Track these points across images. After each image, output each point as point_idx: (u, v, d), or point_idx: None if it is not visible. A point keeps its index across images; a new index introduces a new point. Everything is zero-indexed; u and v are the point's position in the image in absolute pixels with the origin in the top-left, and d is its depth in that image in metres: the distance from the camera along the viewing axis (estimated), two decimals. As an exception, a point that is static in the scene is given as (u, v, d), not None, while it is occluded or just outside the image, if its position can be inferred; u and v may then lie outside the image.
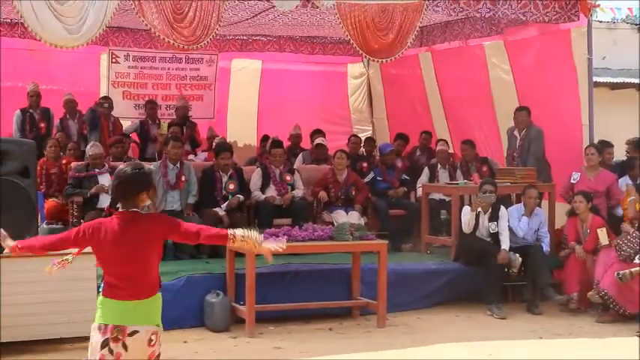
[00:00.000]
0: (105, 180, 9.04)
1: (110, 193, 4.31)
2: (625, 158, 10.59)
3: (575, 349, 7.30)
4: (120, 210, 4.18)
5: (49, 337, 6.91)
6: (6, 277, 6.73)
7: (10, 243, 4.35)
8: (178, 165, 9.25)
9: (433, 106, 12.66)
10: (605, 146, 10.10)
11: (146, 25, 8.62)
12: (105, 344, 4.07)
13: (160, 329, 4.19)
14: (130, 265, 4.13)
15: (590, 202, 8.97)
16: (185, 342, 7.35)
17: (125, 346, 4.06)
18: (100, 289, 4.21)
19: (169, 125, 11.45)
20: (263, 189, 9.67)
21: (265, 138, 11.92)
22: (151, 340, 4.11)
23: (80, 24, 8.26)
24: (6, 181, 6.77)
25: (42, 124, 11.13)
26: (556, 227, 9.59)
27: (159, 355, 4.19)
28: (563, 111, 10.35)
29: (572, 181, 9.68)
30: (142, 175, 4.27)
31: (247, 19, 11.31)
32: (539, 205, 9.39)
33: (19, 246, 4.35)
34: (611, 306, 8.32)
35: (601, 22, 17.69)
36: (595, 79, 11.11)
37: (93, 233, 4.14)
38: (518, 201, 9.62)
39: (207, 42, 9.00)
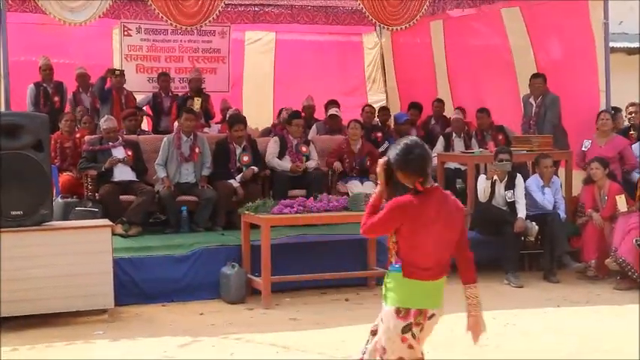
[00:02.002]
0: (119, 153, 9.05)
1: (400, 166, 4.03)
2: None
3: (593, 316, 7.26)
4: (421, 186, 3.98)
5: (66, 310, 6.95)
6: (23, 250, 6.77)
7: None
8: (192, 137, 9.22)
9: (442, 76, 12.56)
10: (615, 112, 10.01)
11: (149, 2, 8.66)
12: (407, 329, 3.96)
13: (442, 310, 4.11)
14: (439, 245, 3.99)
15: (606, 168, 8.89)
16: (201, 314, 7.37)
17: (423, 329, 4.01)
18: (394, 269, 4.00)
19: (180, 98, 11.41)
20: (278, 159, 9.64)
21: (282, 111, 11.86)
22: (437, 322, 4.09)
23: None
24: (20, 155, 6.76)
25: (56, 98, 11.14)
26: (573, 194, 9.52)
27: None
28: (580, 77, 10.25)
29: (583, 149, 9.62)
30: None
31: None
32: (555, 173, 9.31)
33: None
34: (629, 273, 8.26)
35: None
36: (612, 44, 10.98)
37: (403, 212, 3.95)
38: (534, 169, 9.54)
39: (210, 21, 9.07)
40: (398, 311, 3.97)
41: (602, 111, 9.66)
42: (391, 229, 3.99)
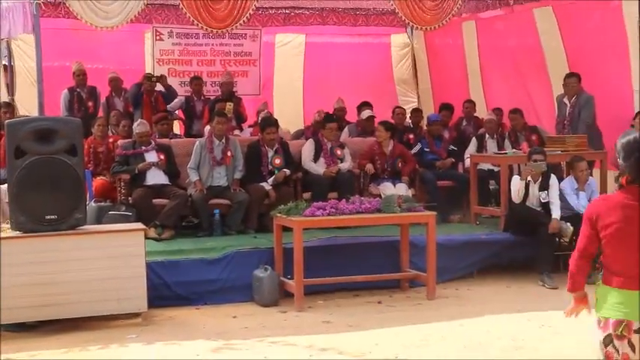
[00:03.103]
0: (151, 157, 9.10)
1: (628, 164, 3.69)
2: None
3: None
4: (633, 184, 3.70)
5: (100, 314, 6.99)
6: (55, 255, 6.81)
7: None
8: (224, 141, 9.25)
9: (474, 77, 12.49)
10: None
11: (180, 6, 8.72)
12: (608, 341, 3.68)
13: None
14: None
15: None
16: (234, 317, 7.37)
17: (632, 346, 3.60)
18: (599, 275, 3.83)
19: (212, 101, 11.44)
20: (314, 161, 9.65)
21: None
22: None
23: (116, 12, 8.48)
24: (54, 160, 6.81)
25: (89, 103, 11.22)
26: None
27: None
28: (613, 77, 10.12)
29: None
30: None
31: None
32: (590, 174, 9.20)
33: None
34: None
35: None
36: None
37: (606, 217, 3.70)
38: (568, 169, 9.44)
39: (241, 24, 9.12)
40: (599, 321, 3.76)
41: (639, 112, 9.52)
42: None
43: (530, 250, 8.69)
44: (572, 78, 10.04)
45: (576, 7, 10.57)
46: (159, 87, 11.38)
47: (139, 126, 9.36)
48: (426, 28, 9.94)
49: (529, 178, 8.76)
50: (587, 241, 3.84)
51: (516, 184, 8.82)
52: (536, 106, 11.39)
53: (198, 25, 9.21)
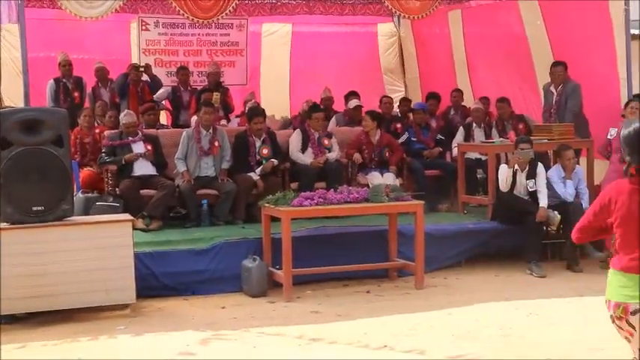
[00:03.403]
0: (138, 147, 9.07)
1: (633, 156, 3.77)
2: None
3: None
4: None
5: (88, 306, 6.97)
6: (43, 246, 6.78)
7: None
8: (211, 131, 9.22)
9: (460, 66, 12.51)
10: None
11: None
12: (612, 321, 3.90)
13: None
14: None
15: None
16: (223, 307, 7.37)
17: (631, 325, 3.78)
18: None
19: (199, 92, 11.41)
20: (301, 152, 9.64)
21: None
22: None
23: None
24: (40, 151, 6.78)
25: (75, 94, 11.18)
26: (595, 183, 9.43)
27: None
28: (599, 65, 10.14)
29: (608, 137, 9.49)
30: None
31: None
32: (577, 163, 9.24)
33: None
34: (653, 263, 8.16)
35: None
36: (632, 31, 10.86)
37: (616, 201, 3.83)
38: (555, 158, 9.46)
39: (227, 14, 9.05)
40: (606, 302, 3.92)
41: (630, 99, 9.54)
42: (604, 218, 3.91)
43: (518, 239, 8.71)
44: (559, 67, 10.06)
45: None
46: (144, 77, 11.34)
47: (126, 116, 9.32)
48: (413, 17, 9.92)
49: (516, 166, 8.78)
50: (593, 217, 4.01)
51: (504, 173, 8.84)
52: (523, 94, 11.40)
53: (183, 15, 9.16)
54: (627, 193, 3.81)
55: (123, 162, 8.94)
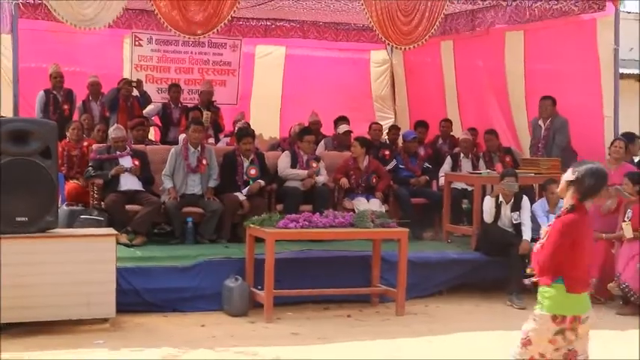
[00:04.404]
0: (126, 162, 9.07)
1: (584, 189, 4.44)
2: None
3: (595, 340, 7.20)
4: (582, 205, 4.45)
5: (68, 318, 6.93)
6: (25, 257, 6.76)
7: None
8: (199, 149, 9.24)
9: (450, 96, 12.60)
10: (630, 139, 9.98)
11: (155, 12, 8.66)
12: (560, 332, 4.46)
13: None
14: (588, 259, 4.56)
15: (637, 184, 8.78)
16: (203, 325, 7.35)
17: (576, 333, 4.49)
18: (557, 282, 4.47)
19: (189, 109, 11.41)
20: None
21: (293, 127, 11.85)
22: (592, 322, 4.59)
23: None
24: (27, 162, 6.77)
25: (65, 106, 11.13)
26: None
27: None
28: (584, 102, 10.23)
29: None
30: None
31: (269, 1, 11.26)
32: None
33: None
34: (632, 299, 8.23)
35: (629, 12, 17.48)
36: (621, 70, 10.97)
37: (578, 229, 4.43)
38: (541, 192, 9.52)
39: (218, 30, 9.04)
40: (554, 318, 4.46)
41: (616, 139, 9.61)
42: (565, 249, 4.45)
43: (501, 270, 8.74)
44: (547, 101, 10.14)
45: (548, 32, 10.65)
46: (135, 92, 11.35)
47: (115, 130, 9.33)
48: (403, 48, 10.00)
49: (501, 198, 8.83)
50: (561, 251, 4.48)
51: (488, 204, 8.90)
52: (507, 127, 11.49)
53: (172, 30, 9.06)
54: (588, 225, 4.49)
55: (109, 176, 8.93)
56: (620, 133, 9.90)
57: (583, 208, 4.44)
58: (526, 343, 4.63)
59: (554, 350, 4.52)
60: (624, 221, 8.66)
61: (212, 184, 9.20)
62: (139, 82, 11.49)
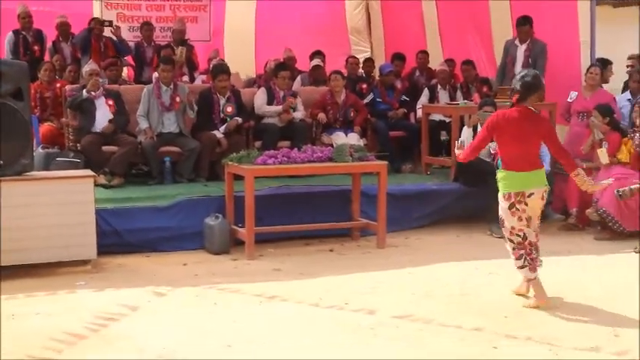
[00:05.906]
0: (100, 103, 8.90)
1: (519, 91, 5.88)
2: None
3: (573, 266, 7.31)
4: (522, 105, 5.86)
5: (48, 261, 6.91)
6: (4, 201, 6.69)
7: None
8: (172, 86, 9.11)
9: (432, 28, 12.47)
10: (605, 64, 9.96)
11: None
12: (512, 206, 5.85)
13: (547, 187, 5.92)
14: (521, 147, 5.80)
15: (606, 117, 8.80)
16: (185, 264, 7.35)
17: (526, 204, 5.81)
18: (499, 166, 5.97)
19: (162, 47, 11.25)
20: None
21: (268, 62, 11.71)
22: (542, 196, 5.87)
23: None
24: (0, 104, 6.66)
25: (35, 47, 10.94)
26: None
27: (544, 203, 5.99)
28: (560, 28, 10.17)
29: (569, 100, 9.58)
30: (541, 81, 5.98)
31: None
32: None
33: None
34: (610, 224, 8.31)
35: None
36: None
37: (498, 122, 5.85)
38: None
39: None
40: (504, 195, 5.89)
41: (592, 65, 9.59)
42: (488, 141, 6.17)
43: (480, 200, 8.76)
44: (526, 24, 10.02)
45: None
46: (107, 32, 11.16)
47: (89, 64, 9.18)
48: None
49: (478, 126, 8.82)
50: (482, 141, 6.10)
51: (465, 134, 8.88)
52: (487, 58, 11.41)
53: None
54: (514, 119, 5.82)
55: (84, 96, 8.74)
56: (595, 59, 9.89)
57: (521, 107, 5.85)
58: (501, 223, 6.04)
59: (518, 221, 5.87)
60: (600, 148, 8.70)
61: (191, 115, 9.09)
62: (118, 28, 11.28)
